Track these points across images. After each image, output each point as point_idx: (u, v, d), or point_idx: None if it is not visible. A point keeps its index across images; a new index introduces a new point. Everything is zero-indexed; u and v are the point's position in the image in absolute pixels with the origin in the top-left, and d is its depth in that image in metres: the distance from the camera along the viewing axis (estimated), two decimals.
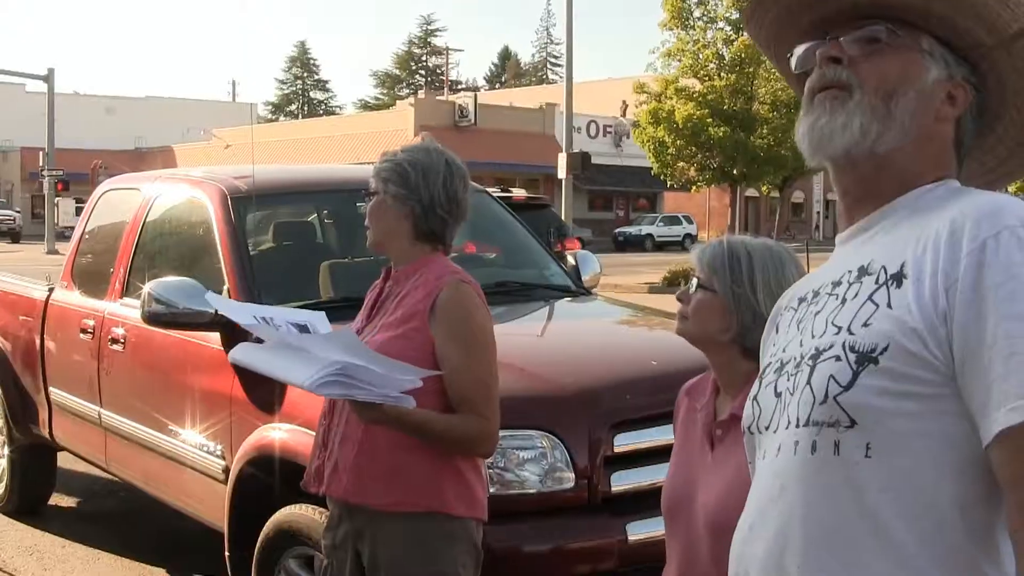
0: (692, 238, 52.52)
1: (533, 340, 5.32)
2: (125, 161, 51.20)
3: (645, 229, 54.33)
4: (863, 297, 1.65)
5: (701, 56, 26.35)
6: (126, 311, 5.82)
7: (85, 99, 73.31)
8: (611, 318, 6.06)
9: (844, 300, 1.68)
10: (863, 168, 1.76)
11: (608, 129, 57.11)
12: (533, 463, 4.25)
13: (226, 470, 4.94)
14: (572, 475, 4.24)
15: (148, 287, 5.26)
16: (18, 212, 56.22)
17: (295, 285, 5.56)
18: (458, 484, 3.19)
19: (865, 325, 1.61)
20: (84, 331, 6.28)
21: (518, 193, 17.06)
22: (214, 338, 5.05)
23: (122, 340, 5.89)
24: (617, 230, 55.14)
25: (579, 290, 6.21)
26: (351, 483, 3.19)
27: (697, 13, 31.23)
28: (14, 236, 51.81)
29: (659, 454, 4.48)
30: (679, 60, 27.58)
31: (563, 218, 25.20)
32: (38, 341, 6.88)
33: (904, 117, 1.73)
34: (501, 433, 4.25)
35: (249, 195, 5.68)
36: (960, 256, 1.55)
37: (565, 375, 4.57)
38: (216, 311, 5.12)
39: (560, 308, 5.92)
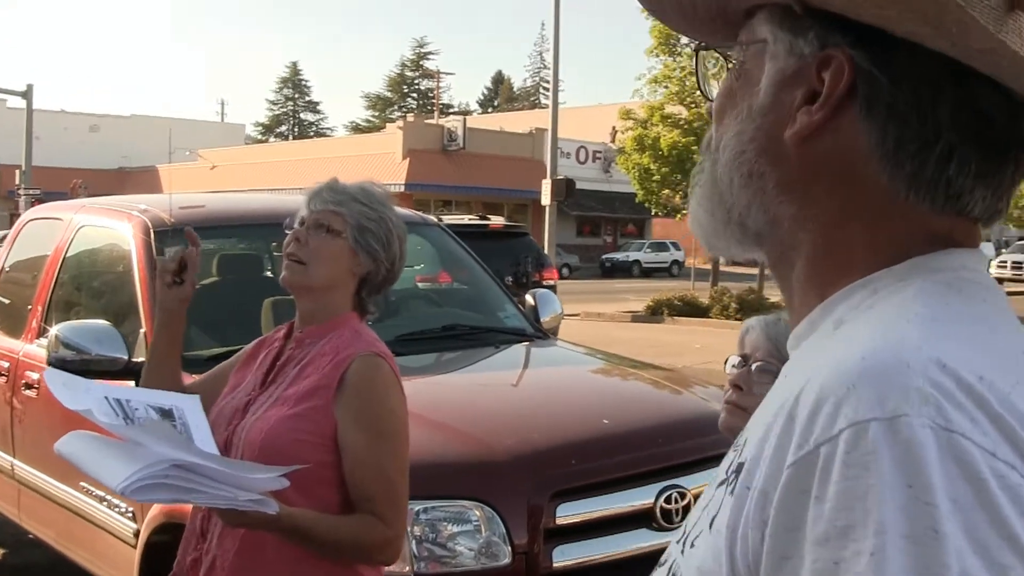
0: (679, 264, 52.12)
1: (471, 395, 4.85)
2: (107, 180, 50.85)
3: (632, 255, 54.00)
4: (712, 492, 1.03)
5: (687, 83, 25.79)
6: (42, 353, 5.35)
7: (69, 117, 72.03)
8: (565, 367, 5.57)
9: (716, 483, 1.03)
10: (769, 258, 1.12)
11: (597, 155, 56.76)
12: (466, 536, 3.83)
13: (137, 533, 4.50)
14: (509, 550, 3.81)
15: (56, 330, 4.82)
16: None
17: (221, 329, 5.12)
18: None
19: (693, 545, 1.01)
20: None
21: (495, 221, 16.73)
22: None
23: (36, 386, 5.43)
24: (604, 256, 54.81)
25: (536, 334, 5.76)
26: None
27: (684, 40, 30.70)
28: None
29: (608, 525, 4.04)
30: (665, 87, 26.99)
31: (547, 245, 24.87)
32: None
33: (725, 175, 1.07)
34: (431, 504, 3.84)
35: (174, 228, 5.24)
36: (783, 467, 0.88)
37: (503, 436, 4.13)
38: (128, 359, 4.70)
39: (510, 356, 5.47)
